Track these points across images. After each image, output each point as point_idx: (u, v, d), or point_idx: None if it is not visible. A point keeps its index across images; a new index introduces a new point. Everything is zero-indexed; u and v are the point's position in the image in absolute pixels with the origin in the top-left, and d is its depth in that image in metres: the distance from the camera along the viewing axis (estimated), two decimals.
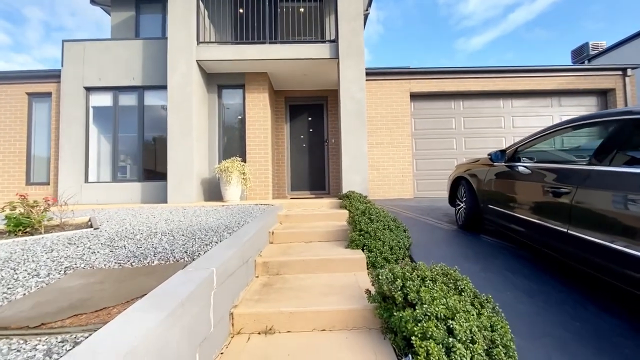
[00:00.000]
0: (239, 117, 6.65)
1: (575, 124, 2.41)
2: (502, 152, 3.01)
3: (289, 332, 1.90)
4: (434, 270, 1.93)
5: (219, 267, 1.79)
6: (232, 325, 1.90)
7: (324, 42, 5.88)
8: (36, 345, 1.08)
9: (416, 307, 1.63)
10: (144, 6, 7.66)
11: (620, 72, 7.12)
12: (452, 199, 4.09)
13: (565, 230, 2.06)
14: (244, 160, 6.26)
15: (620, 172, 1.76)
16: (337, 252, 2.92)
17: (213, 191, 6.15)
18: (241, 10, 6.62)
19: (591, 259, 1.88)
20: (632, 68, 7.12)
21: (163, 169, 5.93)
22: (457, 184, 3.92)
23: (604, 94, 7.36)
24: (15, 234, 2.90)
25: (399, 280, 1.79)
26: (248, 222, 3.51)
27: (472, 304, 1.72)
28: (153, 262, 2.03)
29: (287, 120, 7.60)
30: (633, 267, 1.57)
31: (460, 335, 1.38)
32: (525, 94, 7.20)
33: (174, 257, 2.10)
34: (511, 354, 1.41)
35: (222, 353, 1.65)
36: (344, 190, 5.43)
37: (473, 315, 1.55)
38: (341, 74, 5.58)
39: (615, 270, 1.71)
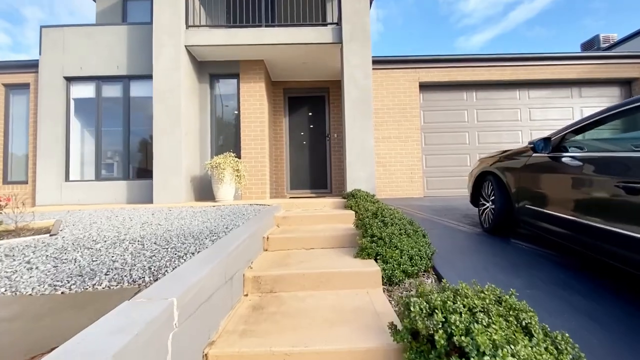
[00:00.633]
0: (234, 109, 6.11)
1: None
2: (546, 140, 2.47)
3: None
4: (484, 296, 1.40)
5: (185, 295, 1.26)
6: None
7: (325, 25, 5.34)
8: None
9: (470, 358, 1.10)
10: None
11: None
12: (475, 198, 3.56)
13: None
14: (239, 156, 5.73)
15: None
16: (345, 263, 2.39)
17: (205, 190, 5.63)
18: None
19: None
20: None
21: (151, 166, 5.40)
22: (482, 181, 3.39)
23: (627, 84, 6.81)
24: None
25: (439, 314, 1.26)
26: (239, 225, 2.98)
27: (547, 350, 1.19)
28: (101, 283, 1.51)
29: (285, 113, 7.07)
30: None
31: None
32: (543, 84, 6.65)
33: (131, 277, 1.57)
34: None
35: None
36: (349, 189, 4.90)
37: None
38: (345, 59, 5.04)
39: None
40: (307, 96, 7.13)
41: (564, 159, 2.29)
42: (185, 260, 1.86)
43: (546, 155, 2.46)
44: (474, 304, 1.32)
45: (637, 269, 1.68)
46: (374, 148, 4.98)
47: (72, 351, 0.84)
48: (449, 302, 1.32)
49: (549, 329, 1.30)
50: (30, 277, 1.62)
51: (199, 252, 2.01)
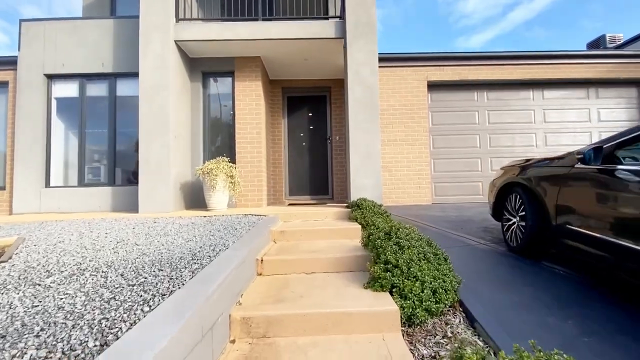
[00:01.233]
0: (229, 110, 5.69)
1: None
2: (597, 149, 2.05)
3: None
4: None
5: None
6: None
7: (327, 18, 4.93)
8: None
9: None
10: None
11: None
12: (498, 211, 3.15)
13: None
14: (234, 161, 5.30)
15: None
16: (355, 298, 1.97)
17: (196, 197, 5.20)
18: None
19: None
20: None
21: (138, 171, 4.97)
22: (507, 193, 2.97)
23: None
24: None
25: None
26: (228, 245, 2.56)
27: None
28: (23, 355, 1.08)
29: (284, 114, 6.65)
30: None
31: None
32: (559, 83, 6.25)
33: (68, 343, 1.15)
34: None
35: None
36: (353, 197, 4.48)
37: None
38: (349, 55, 4.63)
39: None
40: (307, 96, 6.71)
41: (621, 173, 1.88)
42: (151, 305, 1.43)
43: (595, 167, 2.05)
44: None
45: None
46: (380, 152, 4.55)
47: None
48: None
49: None
50: None
51: (172, 291, 1.59)
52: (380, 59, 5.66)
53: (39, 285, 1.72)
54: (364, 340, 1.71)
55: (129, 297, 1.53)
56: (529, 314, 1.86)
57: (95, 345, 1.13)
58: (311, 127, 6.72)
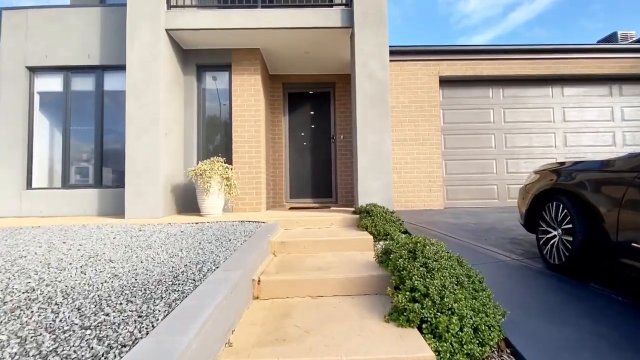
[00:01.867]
0: (226, 106, 5.27)
1: None
2: None
3: None
4: None
5: None
6: None
7: (332, 5, 4.51)
8: None
9: None
10: None
11: None
12: (532, 221, 2.74)
13: None
14: (230, 161, 4.89)
15: None
16: (375, 336, 1.56)
17: (190, 201, 4.78)
18: None
19: None
20: None
21: None
22: (544, 200, 2.56)
23: None
24: None
25: None
26: (219, 262, 2.15)
27: None
28: None
29: (285, 111, 6.23)
30: None
31: None
32: (579, 79, 5.84)
33: None
34: None
35: None
36: (360, 201, 4.07)
37: None
38: (357, 46, 4.21)
39: None
40: (310, 92, 6.30)
41: None
42: None
43: None
44: None
45: None
46: (391, 153, 4.14)
47: None
48: None
49: None
50: None
51: (135, 341, 1.18)
52: (389, 53, 5.25)
53: None
54: None
55: (74, 351, 1.12)
56: (595, 358, 1.45)
57: None
58: (314, 126, 6.31)
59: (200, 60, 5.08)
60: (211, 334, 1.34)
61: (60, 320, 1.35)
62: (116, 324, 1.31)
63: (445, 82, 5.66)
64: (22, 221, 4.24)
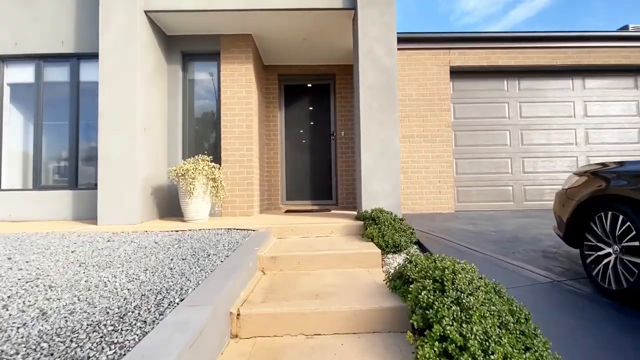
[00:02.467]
0: (215, 98, 4.78)
1: None
2: None
3: None
4: None
5: None
6: None
7: None
8: None
9: None
10: None
11: None
12: (574, 234, 2.26)
13: None
14: (219, 160, 4.41)
15: None
16: None
17: (174, 204, 4.29)
18: None
19: None
20: None
21: None
22: (593, 209, 2.08)
23: None
24: None
25: None
26: (188, 288, 1.68)
27: None
28: None
29: (281, 105, 5.74)
30: None
31: None
32: (603, 70, 5.34)
33: None
34: None
35: None
36: (364, 205, 3.58)
37: None
38: (360, 30, 3.72)
39: None
40: (308, 85, 5.80)
41: None
42: None
43: None
44: None
45: None
46: (399, 150, 3.65)
47: None
48: None
49: None
50: None
51: None
52: None
53: None
54: None
55: None
56: None
57: None
58: (312, 121, 5.82)
59: (185, 47, 4.58)
60: None
61: None
62: None
63: (457, 73, 5.16)
64: None
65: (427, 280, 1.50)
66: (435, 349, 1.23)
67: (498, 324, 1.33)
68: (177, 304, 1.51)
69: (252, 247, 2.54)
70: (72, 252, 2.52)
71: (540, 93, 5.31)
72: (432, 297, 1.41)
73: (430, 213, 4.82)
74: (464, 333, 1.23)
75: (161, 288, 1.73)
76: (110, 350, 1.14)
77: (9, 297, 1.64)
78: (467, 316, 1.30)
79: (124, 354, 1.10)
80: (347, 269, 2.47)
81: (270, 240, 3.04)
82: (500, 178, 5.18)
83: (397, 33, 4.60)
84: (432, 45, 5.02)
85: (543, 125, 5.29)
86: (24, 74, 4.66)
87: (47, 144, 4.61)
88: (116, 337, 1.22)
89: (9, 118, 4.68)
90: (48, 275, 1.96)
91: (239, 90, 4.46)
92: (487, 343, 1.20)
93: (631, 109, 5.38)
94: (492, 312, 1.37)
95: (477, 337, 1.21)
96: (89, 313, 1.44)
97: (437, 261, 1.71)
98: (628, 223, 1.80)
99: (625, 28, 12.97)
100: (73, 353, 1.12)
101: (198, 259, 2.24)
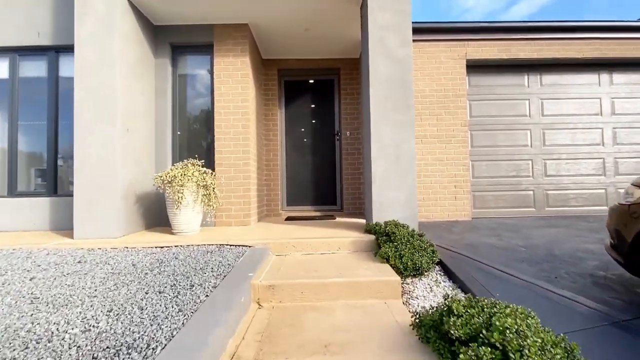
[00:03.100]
0: (208, 96, 4.35)
1: None
2: None
3: None
4: None
5: None
6: None
7: None
8: None
9: None
10: None
11: None
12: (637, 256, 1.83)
13: None
14: (212, 163, 3.99)
15: None
16: None
17: (163, 214, 3.87)
18: None
19: None
20: None
21: None
22: None
23: None
24: None
25: None
26: (158, 340, 1.25)
27: None
28: None
29: (281, 103, 5.30)
30: None
31: None
32: (632, 64, 4.88)
33: None
34: None
35: None
36: (375, 217, 3.16)
37: None
38: (370, 16, 3.27)
39: None
40: (311, 80, 5.36)
41: None
42: None
43: None
44: None
45: None
46: (415, 154, 3.22)
47: None
48: None
49: None
50: None
51: None
52: None
53: None
54: None
55: None
56: None
57: None
58: (315, 120, 5.38)
59: (175, 39, 4.14)
60: None
61: None
62: None
63: (473, 67, 4.71)
64: None
65: (483, 349, 1.07)
66: None
67: None
68: None
69: (246, 272, 2.12)
70: (31, 279, 2.10)
71: (564, 89, 4.86)
72: (476, 353, 0.99)
73: (445, 221, 4.38)
74: None
75: (122, 343, 1.30)
76: None
77: None
78: None
79: None
80: (360, 300, 2.05)
81: (268, 258, 2.62)
82: (521, 182, 4.74)
83: None
84: (446, 36, 4.57)
85: (567, 124, 4.84)
86: None
87: (23, 146, 4.19)
88: None
89: None
90: None
91: (234, 86, 4.02)
92: None
93: None
94: None
95: None
96: None
97: (487, 310, 1.28)
98: None
99: None
100: None
101: (178, 292, 1.82)
